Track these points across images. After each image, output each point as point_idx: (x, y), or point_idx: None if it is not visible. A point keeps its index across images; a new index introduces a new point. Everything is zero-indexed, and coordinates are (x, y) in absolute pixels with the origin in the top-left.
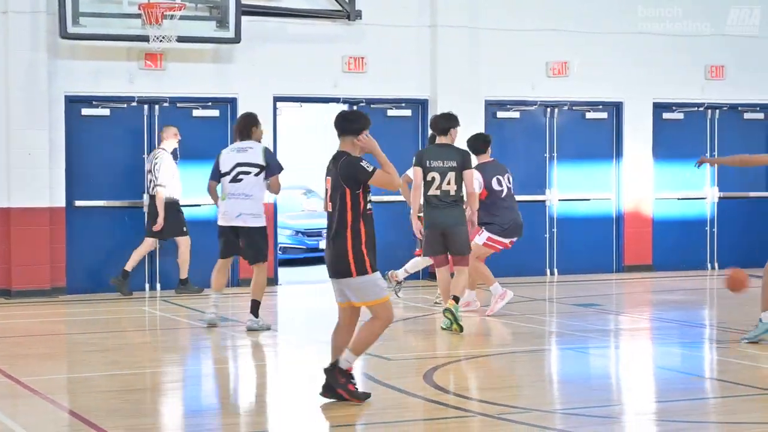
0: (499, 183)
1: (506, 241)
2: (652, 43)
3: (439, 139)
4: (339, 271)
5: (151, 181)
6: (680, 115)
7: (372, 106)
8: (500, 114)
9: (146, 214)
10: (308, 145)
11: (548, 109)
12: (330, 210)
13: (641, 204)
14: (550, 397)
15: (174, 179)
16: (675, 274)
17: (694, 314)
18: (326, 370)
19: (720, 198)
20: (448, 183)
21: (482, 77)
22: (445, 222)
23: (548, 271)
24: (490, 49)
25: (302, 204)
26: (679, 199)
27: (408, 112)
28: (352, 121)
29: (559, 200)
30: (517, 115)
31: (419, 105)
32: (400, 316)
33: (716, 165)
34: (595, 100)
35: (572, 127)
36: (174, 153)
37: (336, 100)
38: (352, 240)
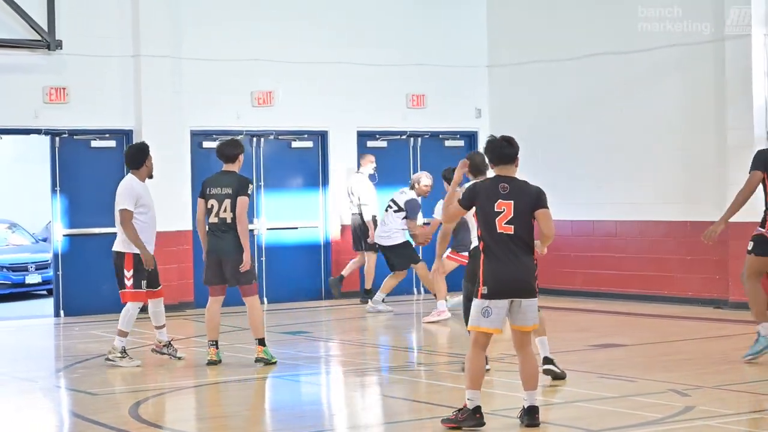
0: None
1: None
2: (355, 72)
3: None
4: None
5: (351, 201)
6: (384, 143)
7: (75, 137)
8: (206, 144)
9: (353, 231)
10: (11, 177)
11: (254, 139)
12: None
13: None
14: (262, 425)
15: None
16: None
17: (402, 339)
18: None
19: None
20: (224, 210)
21: (186, 107)
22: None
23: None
24: (193, 78)
25: (7, 238)
26: None
27: (113, 143)
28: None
29: (268, 229)
30: None
31: (123, 135)
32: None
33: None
34: (300, 129)
35: (279, 155)
36: (371, 177)
37: (37, 131)
38: None
